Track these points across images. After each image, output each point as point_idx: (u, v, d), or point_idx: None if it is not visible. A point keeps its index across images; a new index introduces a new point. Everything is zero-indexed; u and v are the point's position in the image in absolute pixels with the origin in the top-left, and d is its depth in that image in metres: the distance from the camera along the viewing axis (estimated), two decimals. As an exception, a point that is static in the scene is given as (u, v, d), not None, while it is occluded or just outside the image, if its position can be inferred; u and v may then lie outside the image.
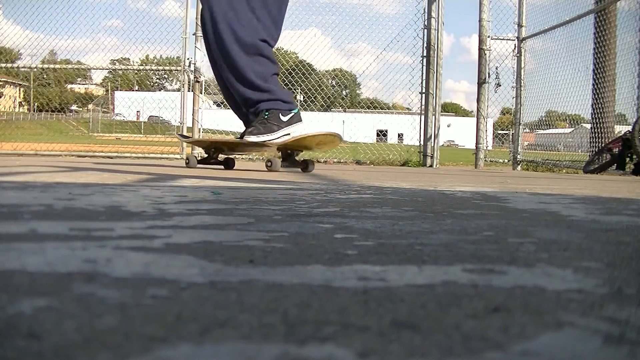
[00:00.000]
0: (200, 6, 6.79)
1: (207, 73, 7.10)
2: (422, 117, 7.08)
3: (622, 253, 0.85)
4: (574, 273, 0.67)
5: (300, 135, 3.68)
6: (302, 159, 3.92)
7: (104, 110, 29.92)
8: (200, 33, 6.79)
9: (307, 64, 8.79)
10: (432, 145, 7.01)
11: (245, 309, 0.48)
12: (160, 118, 17.73)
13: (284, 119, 3.65)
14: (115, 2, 11.36)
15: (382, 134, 17.15)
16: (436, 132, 7.00)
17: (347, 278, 0.61)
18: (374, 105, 9.98)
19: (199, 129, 6.93)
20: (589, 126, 6.77)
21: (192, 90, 6.86)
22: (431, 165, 6.81)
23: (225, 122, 8.92)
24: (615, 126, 6.23)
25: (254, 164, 5.69)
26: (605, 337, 0.43)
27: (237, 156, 4.68)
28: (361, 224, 1.05)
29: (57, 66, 9.19)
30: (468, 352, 0.39)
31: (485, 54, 7.03)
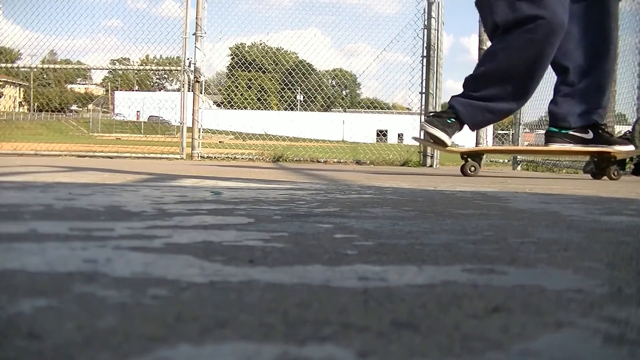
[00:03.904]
0: (200, 6, 6.81)
1: (207, 73, 7.10)
2: (422, 117, 7.07)
3: (622, 253, 0.85)
4: (574, 273, 0.67)
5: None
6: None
7: (104, 110, 29.95)
8: (200, 33, 6.77)
9: (307, 64, 8.78)
10: (432, 145, 7.00)
11: (245, 309, 0.48)
12: (161, 118, 17.77)
13: None
14: (115, 2, 11.35)
15: (382, 134, 17.17)
16: (436, 132, 6.99)
17: (347, 278, 0.61)
18: (374, 105, 9.98)
19: (199, 129, 6.93)
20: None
21: (192, 90, 6.86)
22: (431, 165, 6.81)
23: (225, 122, 8.93)
24: (615, 126, 6.22)
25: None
26: (605, 337, 0.43)
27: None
28: (361, 224, 1.05)
29: (57, 66, 9.19)
30: (468, 352, 0.39)
31: (485, 54, 7.02)
